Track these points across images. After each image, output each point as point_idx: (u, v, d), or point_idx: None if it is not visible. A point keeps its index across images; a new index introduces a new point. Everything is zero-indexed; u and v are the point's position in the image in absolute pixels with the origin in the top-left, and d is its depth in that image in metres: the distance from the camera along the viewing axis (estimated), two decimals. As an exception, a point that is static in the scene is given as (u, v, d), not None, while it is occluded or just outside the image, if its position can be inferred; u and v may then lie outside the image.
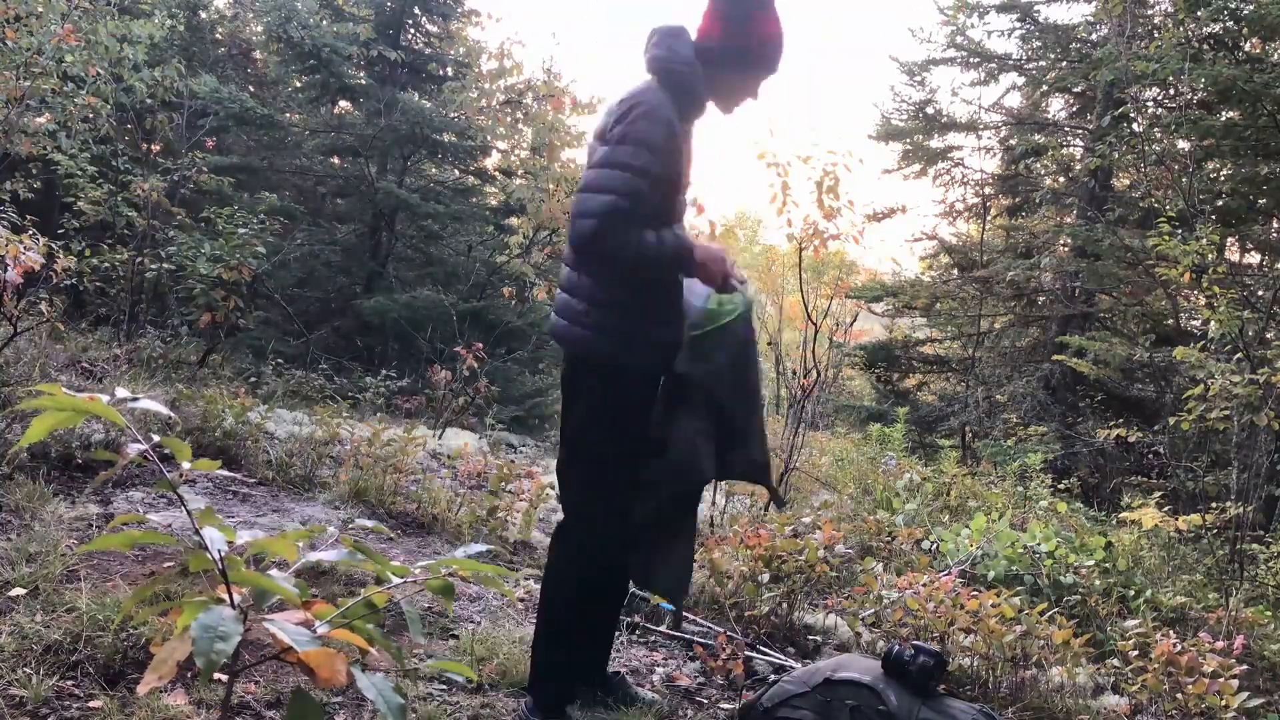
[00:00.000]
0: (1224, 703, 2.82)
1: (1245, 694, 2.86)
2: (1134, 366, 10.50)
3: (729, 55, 2.44)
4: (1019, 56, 14.04)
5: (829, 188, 5.91)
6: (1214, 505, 6.37)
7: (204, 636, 1.03)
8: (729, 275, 2.49)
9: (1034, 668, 3.32)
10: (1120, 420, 9.52)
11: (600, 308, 2.43)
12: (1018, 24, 13.61)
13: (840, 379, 19.44)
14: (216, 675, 1.97)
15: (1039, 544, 4.67)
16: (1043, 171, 14.48)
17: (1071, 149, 13.98)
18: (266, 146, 13.73)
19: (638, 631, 3.49)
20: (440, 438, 7.43)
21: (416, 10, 13.83)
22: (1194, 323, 9.38)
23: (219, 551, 1.15)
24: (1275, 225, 10.39)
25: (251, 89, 14.46)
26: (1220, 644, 3.10)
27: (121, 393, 1.22)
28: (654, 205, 2.33)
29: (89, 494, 3.82)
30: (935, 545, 5.14)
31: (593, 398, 2.52)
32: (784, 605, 3.66)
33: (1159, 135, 8.30)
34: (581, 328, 2.45)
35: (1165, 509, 6.50)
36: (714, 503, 5.70)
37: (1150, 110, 10.08)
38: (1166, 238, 5.60)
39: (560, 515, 2.68)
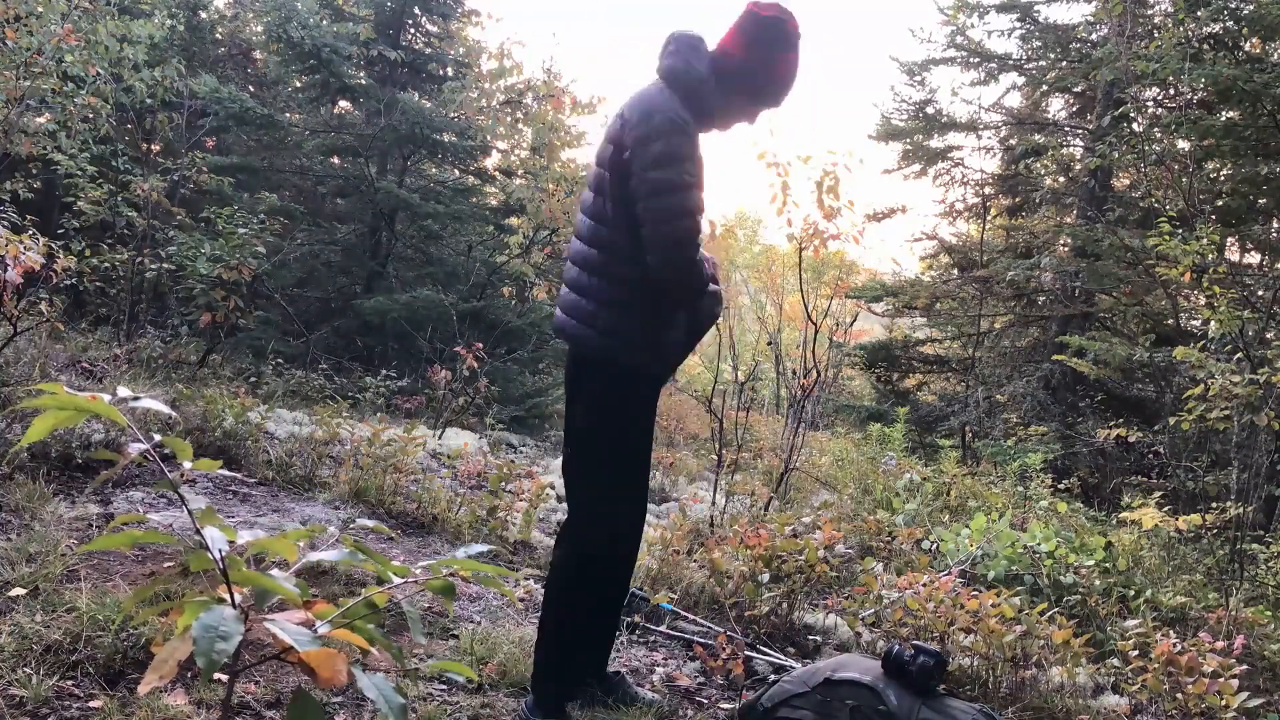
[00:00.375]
0: (1224, 703, 2.82)
1: (1245, 694, 2.86)
2: (1134, 366, 10.49)
3: (742, 79, 2.45)
4: (1019, 56, 14.04)
5: (829, 188, 5.91)
6: (1214, 505, 6.37)
7: (205, 636, 1.03)
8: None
9: (1034, 668, 3.32)
10: (1120, 420, 9.50)
11: (612, 310, 2.44)
12: (1018, 24, 13.61)
13: (840, 379, 19.46)
14: (217, 675, 1.98)
15: (1039, 544, 4.67)
16: (1043, 171, 14.48)
17: (1071, 149, 13.98)
18: (266, 146, 13.72)
19: (638, 631, 3.49)
20: (440, 438, 7.43)
21: (416, 10, 13.83)
22: (1194, 323, 9.39)
23: (220, 551, 1.15)
24: (1275, 225, 10.39)
25: (251, 89, 14.46)
26: (1220, 644, 3.10)
27: (123, 392, 1.23)
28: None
29: (89, 494, 3.83)
30: (935, 545, 5.14)
31: (596, 397, 2.53)
32: (784, 605, 3.66)
33: (1159, 135, 8.29)
34: (591, 329, 2.46)
35: (1165, 509, 6.50)
36: (714, 503, 5.70)
37: (1150, 110, 10.08)
38: (1166, 238, 5.59)
39: (561, 515, 2.68)
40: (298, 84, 14.06)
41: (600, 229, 2.46)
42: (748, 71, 2.44)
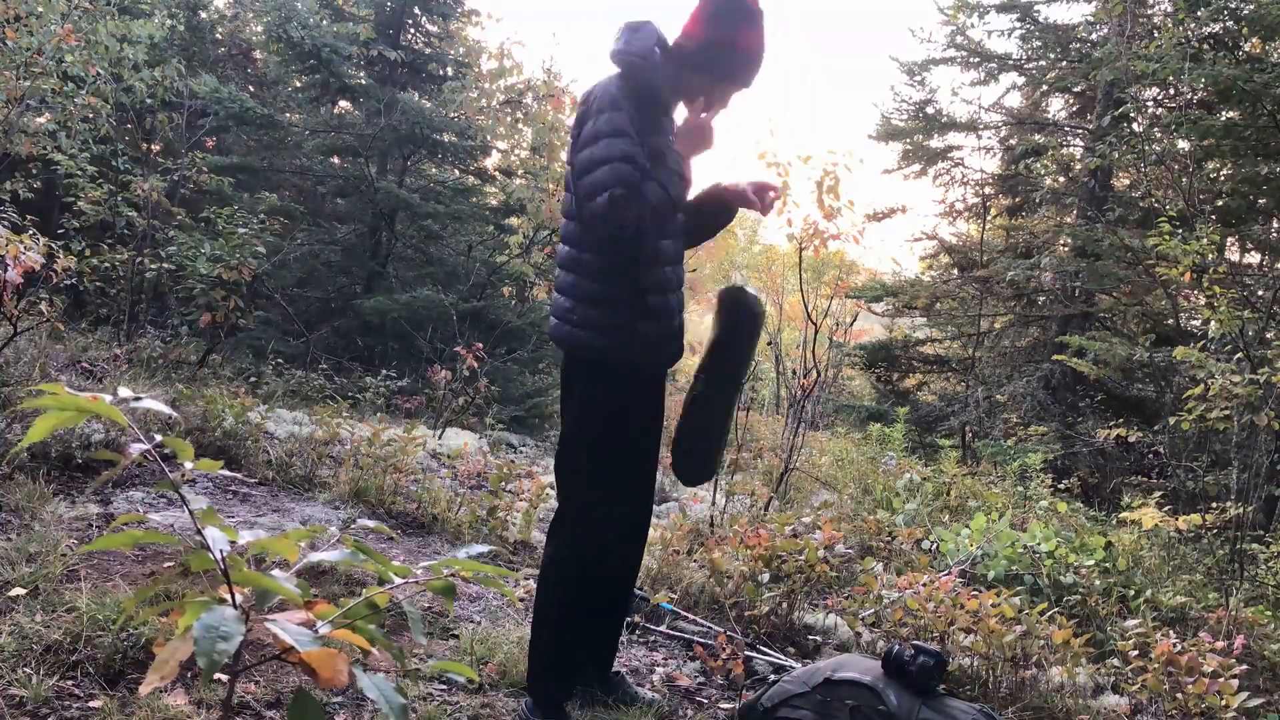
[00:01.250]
0: (1224, 703, 2.82)
1: (1245, 694, 2.86)
2: (1134, 366, 10.49)
3: (703, 58, 2.43)
4: (1019, 56, 14.04)
5: (829, 188, 5.91)
6: (1214, 505, 6.37)
7: (206, 637, 1.03)
8: (756, 190, 2.55)
9: (1034, 668, 3.32)
10: (1120, 420, 9.50)
11: (587, 304, 2.44)
12: (1018, 24, 13.61)
13: (840, 379, 19.44)
14: (218, 675, 1.98)
15: (1039, 544, 4.67)
16: (1043, 171, 14.47)
17: (1071, 149, 13.98)
18: (266, 146, 13.72)
19: (638, 631, 3.49)
20: (440, 438, 7.43)
21: (416, 10, 13.82)
22: (1194, 323, 9.38)
23: (222, 552, 1.15)
24: (1275, 225, 10.39)
25: (251, 89, 14.46)
26: (1220, 644, 3.11)
27: (124, 392, 1.23)
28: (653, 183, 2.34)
29: (89, 494, 3.82)
30: (935, 545, 5.14)
31: (585, 394, 2.53)
32: (784, 605, 3.66)
33: (1159, 135, 8.29)
34: (571, 325, 2.47)
35: (1165, 509, 6.50)
36: (714, 503, 5.70)
37: (1150, 110, 10.08)
38: (1166, 238, 5.59)
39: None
40: (298, 84, 14.05)
41: (571, 225, 2.47)
42: (708, 49, 2.42)
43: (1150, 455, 10.43)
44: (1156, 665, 3.00)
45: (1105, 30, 11.96)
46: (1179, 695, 2.91)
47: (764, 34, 2.46)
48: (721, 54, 2.43)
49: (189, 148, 10.51)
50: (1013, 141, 14.69)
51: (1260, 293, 7.26)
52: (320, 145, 13.87)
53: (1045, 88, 14.04)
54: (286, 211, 13.08)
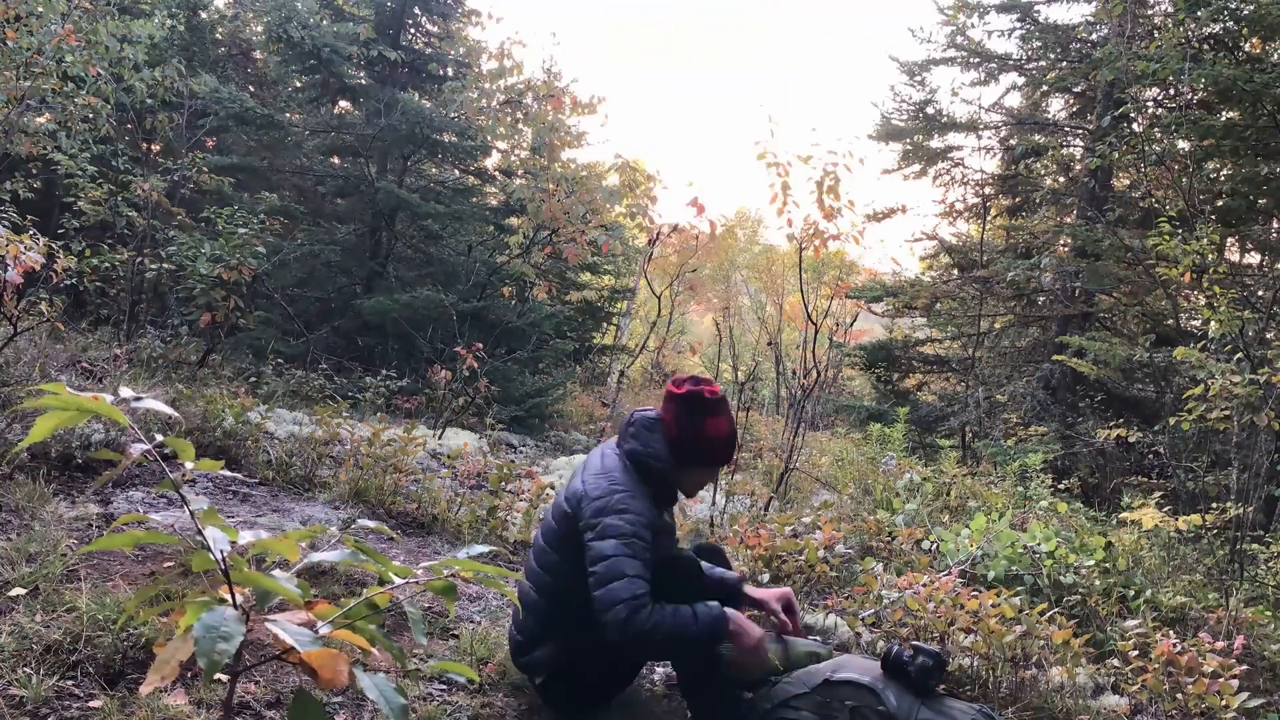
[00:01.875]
0: (1224, 703, 2.82)
1: (1245, 694, 2.86)
2: (1134, 366, 10.49)
3: (682, 452, 2.64)
4: (1019, 56, 14.04)
5: (829, 188, 5.92)
6: (1214, 505, 6.38)
7: (207, 637, 1.03)
8: (762, 664, 2.60)
9: (1034, 668, 3.32)
10: (1120, 420, 9.51)
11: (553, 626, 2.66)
12: (1018, 24, 13.61)
13: (840, 379, 19.46)
14: (218, 675, 1.98)
15: (1039, 544, 4.66)
16: (1043, 171, 14.47)
17: (1071, 149, 13.98)
18: (266, 146, 13.72)
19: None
20: (440, 438, 7.43)
21: (416, 10, 13.82)
22: (1194, 323, 9.39)
23: (222, 552, 1.15)
24: (1275, 225, 10.40)
25: (251, 89, 14.46)
26: (1220, 644, 3.11)
27: (125, 392, 1.23)
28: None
29: (90, 494, 3.82)
30: (935, 545, 5.13)
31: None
32: (784, 605, 3.65)
33: (1159, 135, 8.29)
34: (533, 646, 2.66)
35: (1165, 509, 6.50)
36: (714, 503, 5.70)
37: (1150, 110, 10.09)
38: (1166, 238, 5.60)
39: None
40: (298, 84, 14.05)
41: (555, 557, 2.61)
42: (683, 444, 2.63)
43: (1150, 455, 10.43)
44: (1156, 665, 3.01)
45: (1105, 30, 11.97)
46: (1179, 695, 2.91)
47: (729, 416, 2.68)
48: (695, 446, 2.64)
49: (189, 148, 10.50)
50: (1013, 141, 14.69)
51: (1260, 293, 7.26)
52: (320, 145, 13.87)
53: (1045, 88, 14.04)
54: (286, 211, 13.08)
